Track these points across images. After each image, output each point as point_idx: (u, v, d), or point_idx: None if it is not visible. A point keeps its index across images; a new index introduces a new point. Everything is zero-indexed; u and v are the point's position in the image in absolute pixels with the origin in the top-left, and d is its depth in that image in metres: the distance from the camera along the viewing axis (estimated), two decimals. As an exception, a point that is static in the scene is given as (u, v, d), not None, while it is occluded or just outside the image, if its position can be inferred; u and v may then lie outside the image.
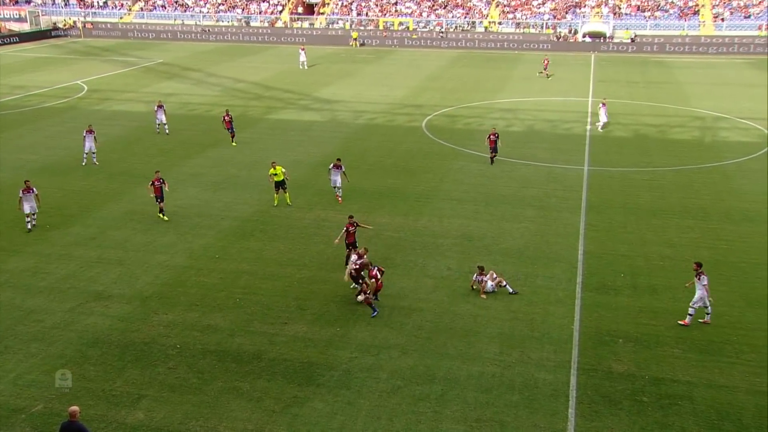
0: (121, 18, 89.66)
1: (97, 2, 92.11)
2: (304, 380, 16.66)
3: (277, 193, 27.62)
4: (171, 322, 19.14)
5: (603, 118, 39.75)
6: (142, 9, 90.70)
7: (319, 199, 28.39)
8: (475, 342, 18.29)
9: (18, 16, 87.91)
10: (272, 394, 16.16)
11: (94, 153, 33.25)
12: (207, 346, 18.03)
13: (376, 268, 19.48)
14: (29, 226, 24.92)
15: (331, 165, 28.12)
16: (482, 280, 20.70)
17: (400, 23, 79.71)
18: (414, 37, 77.42)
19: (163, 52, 73.36)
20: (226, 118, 36.69)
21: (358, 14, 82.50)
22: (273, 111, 45.71)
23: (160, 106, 39.28)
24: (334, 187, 28.13)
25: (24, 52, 74.60)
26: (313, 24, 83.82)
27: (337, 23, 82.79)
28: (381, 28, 79.93)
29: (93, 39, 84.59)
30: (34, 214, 25.04)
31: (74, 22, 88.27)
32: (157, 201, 26.18)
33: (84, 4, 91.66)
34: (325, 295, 20.34)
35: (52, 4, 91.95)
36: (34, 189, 24.97)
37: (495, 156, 33.00)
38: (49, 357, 17.43)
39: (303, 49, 63.24)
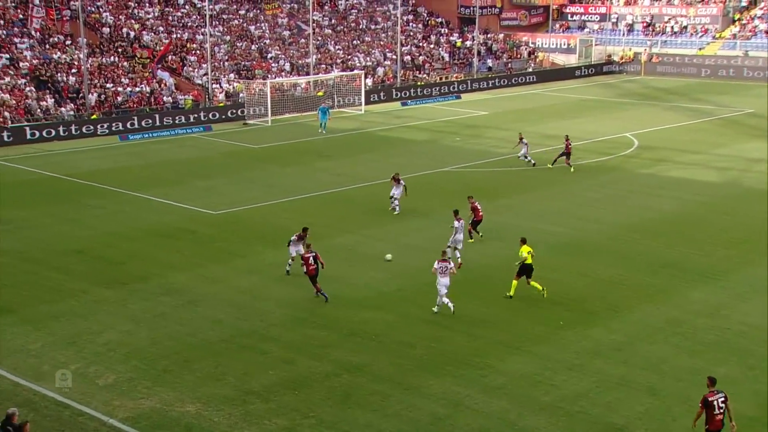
0: (700, 49, 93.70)
1: (671, 28, 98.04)
2: None
3: (517, 279, 29.79)
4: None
5: None
6: (734, 36, 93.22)
7: None
8: None
9: (566, 46, 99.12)
10: None
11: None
12: None
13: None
14: (287, 268, 32.18)
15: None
16: None
17: None
18: None
19: (757, 99, 74.11)
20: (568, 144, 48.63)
21: None
22: None
23: (396, 183, 40.28)
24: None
25: (565, 91, 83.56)
26: None
27: None
28: None
29: (655, 77, 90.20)
30: (295, 261, 31.86)
31: (635, 54, 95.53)
32: None
33: (653, 30, 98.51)
34: None
35: (612, 31, 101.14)
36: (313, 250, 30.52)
37: None
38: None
39: None
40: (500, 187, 45.97)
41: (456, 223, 33.45)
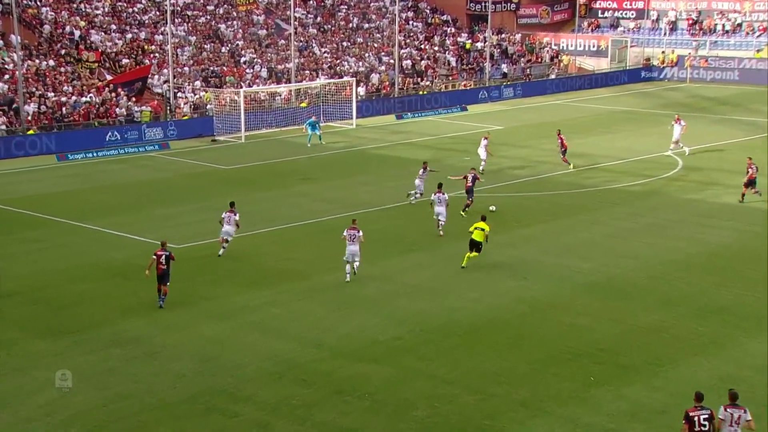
0: (758, 51, 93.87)
1: (723, 26, 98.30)
2: None
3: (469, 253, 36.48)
4: None
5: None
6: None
7: None
8: None
9: (596, 48, 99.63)
10: None
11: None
12: None
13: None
14: (221, 252, 38.97)
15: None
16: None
17: None
18: None
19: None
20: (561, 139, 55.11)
21: None
22: None
23: None
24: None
25: (594, 102, 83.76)
26: None
27: None
28: None
29: (703, 84, 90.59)
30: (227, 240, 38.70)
31: (678, 57, 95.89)
32: None
33: (700, 29, 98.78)
34: None
35: (651, 30, 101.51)
36: (236, 213, 38.83)
37: None
38: None
39: (677, 121, 60.41)
40: (518, 215, 45.89)
41: (433, 196, 41.64)
